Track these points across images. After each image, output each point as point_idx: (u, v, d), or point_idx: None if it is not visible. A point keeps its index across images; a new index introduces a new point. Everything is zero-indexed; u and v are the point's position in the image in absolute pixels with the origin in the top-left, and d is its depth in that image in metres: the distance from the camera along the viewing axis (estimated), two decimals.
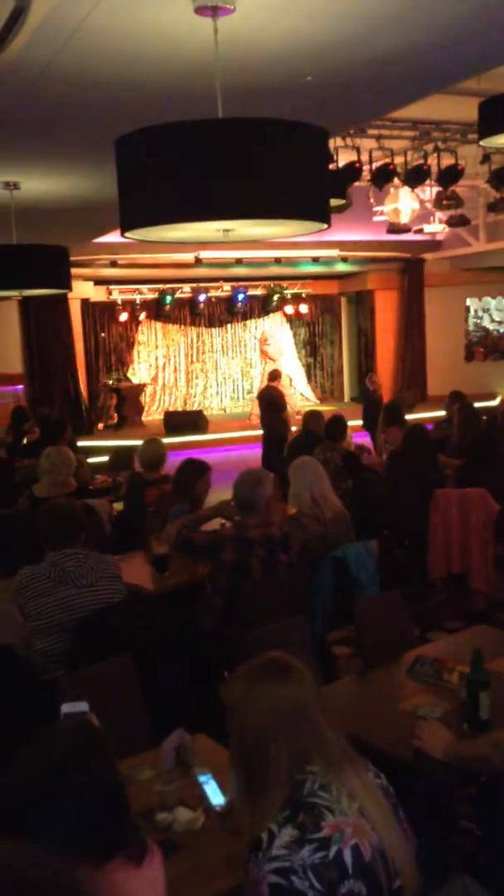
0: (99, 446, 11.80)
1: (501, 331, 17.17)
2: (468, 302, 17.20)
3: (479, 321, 17.29)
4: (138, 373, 16.72)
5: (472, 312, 17.28)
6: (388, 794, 1.69)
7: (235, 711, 1.72)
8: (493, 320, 17.29)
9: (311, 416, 7.87)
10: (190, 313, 16.98)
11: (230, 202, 2.59)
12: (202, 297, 16.40)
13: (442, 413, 9.63)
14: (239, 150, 2.59)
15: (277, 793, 1.60)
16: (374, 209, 10.70)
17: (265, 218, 2.70)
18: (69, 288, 6.14)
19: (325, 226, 2.91)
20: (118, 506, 6.38)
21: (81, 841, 1.48)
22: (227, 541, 3.88)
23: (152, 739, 2.75)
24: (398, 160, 9.07)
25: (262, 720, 1.66)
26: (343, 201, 8.38)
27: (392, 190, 9.89)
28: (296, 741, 1.65)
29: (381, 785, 1.70)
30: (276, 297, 17.02)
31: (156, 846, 1.66)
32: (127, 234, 2.94)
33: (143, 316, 16.29)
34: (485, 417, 8.10)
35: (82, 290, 14.02)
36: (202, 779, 2.30)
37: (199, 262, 14.09)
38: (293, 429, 10.57)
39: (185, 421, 14.28)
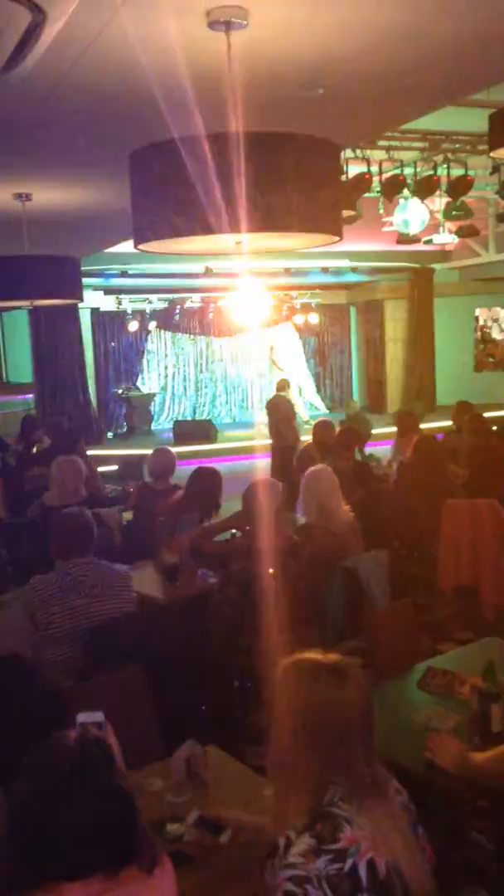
0: (108, 455, 11.83)
1: None
2: (477, 312, 17.19)
3: (488, 331, 17.28)
4: (148, 382, 16.76)
5: (480, 322, 17.27)
6: (409, 811, 1.69)
7: (280, 702, 1.71)
8: (501, 330, 17.26)
9: (321, 426, 7.87)
10: (199, 323, 17.03)
11: (243, 216, 2.60)
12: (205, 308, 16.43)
13: (450, 423, 9.62)
14: (252, 163, 2.61)
15: (301, 800, 1.60)
16: (384, 220, 10.72)
17: (278, 231, 2.71)
18: (81, 299, 6.18)
19: (338, 238, 2.93)
20: (127, 515, 6.39)
21: (91, 850, 1.49)
22: (236, 552, 3.88)
23: (163, 750, 2.76)
24: (407, 171, 9.09)
25: (305, 719, 1.66)
26: (354, 213, 8.40)
27: (401, 200, 9.90)
28: (330, 751, 1.63)
29: (401, 802, 1.69)
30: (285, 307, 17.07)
31: (166, 856, 1.66)
32: (140, 247, 2.96)
33: (152, 325, 16.34)
34: (494, 428, 8.09)
35: (92, 299, 14.08)
36: None
37: (208, 272, 14.14)
38: (302, 438, 10.58)
39: (195, 430, 14.30)
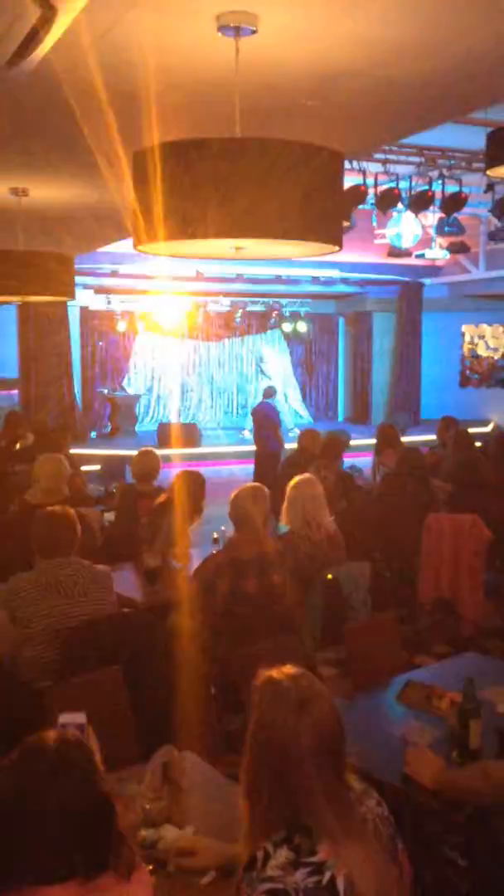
0: (91, 455, 11.78)
1: (496, 358, 17.28)
2: (463, 328, 17.32)
3: (473, 347, 17.41)
4: (134, 383, 16.72)
5: (467, 338, 17.40)
6: (388, 824, 1.68)
7: (258, 716, 1.67)
8: (488, 347, 17.40)
9: (307, 435, 7.88)
10: (188, 326, 17.03)
11: (244, 221, 2.60)
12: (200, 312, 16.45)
13: (434, 437, 9.66)
14: (255, 169, 2.61)
15: (276, 812, 1.59)
16: (377, 232, 10.77)
17: (278, 238, 2.71)
18: (72, 296, 6.15)
19: (337, 248, 2.94)
20: (109, 516, 6.36)
21: (68, 854, 1.48)
22: (220, 570, 3.84)
23: (139, 755, 2.74)
24: (402, 185, 9.15)
25: (256, 737, 1.65)
26: (347, 223, 8.44)
27: (395, 214, 9.96)
28: (280, 775, 1.60)
29: (381, 815, 1.69)
30: (273, 314, 17.11)
31: (143, 862, 1.65)
32: (138, 248, 2.95)
33: (141, 326, 16.31)
34: (478, 444, 8.14)
35: (82, 297, 14.05)
36: None
37: (199, 275, 14.14)
38: (286, 446, 10.59)
39: (179, 433, 14.28)
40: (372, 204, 9.06)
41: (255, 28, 2.88)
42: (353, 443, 10.37)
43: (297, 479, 4.72)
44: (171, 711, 3.69)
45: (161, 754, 2.49)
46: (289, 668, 1.72)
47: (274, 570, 3.95)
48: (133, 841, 2.21)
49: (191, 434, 14.26)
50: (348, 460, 8.50)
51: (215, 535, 5.03)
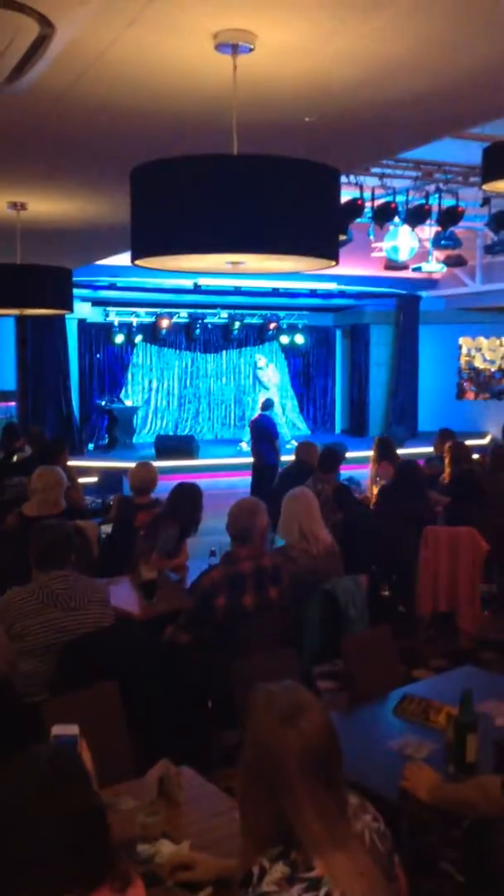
0: (89, 466, 11.78)
1: (492, 370, 17.33)
2: (460, 341, 17.39)
3: (470, 360, 17.47)
4: (131, 395, 16.75)
5: (464, 351, 17.46)
6: (385, 839, 1.68)
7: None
8: (484, 360, 17.46)
9: (305, 447, 7.89)
10: (186, 338, 17.07)
11: (241, 237, 2.62)
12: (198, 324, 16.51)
13: (431, 449, 9.68)
14: (252, 186, 2.63)
15: (270, 826, 1.59)
16: (374, 245, 10.84)
17: (275, 253, 2.74)
18: (70, 309, 6.18)
19: (334, 263, 2.96)
20: (106, 528, 6.36)
21: (63, 869, 1.47)
22: (217, 585, 3.83)
23: (136, 769, 2.73)
24: (399, 198, 9.21)
25: (247, 752, 1.64)
26: (344, 237, 8.49)
27: (392, 227, 10.03)
28: (270, 791, 1.58)
29: (378, 829, 1.68)
30: (271, 326, 17.16)
31: (138, 877, 1.64)
32: (137, 262, 2.97)
33: (138, 338, 16.36)
34: (475, 456, 8.16)
35: (80, 310, 14.09)
36: None
37: (197, 287, 14.20)
38: (283, 458, 10.60)
39: (176, 445, 14.28)
40: (369, 217, 9.12)
41: (252, 46, 2.92)
42: (350, 455, 10.41)
43: (293, 492, 4.72)
44: (167, 725, 3.69)
45: (157, 769, 2.49)
46: (283, 682, 1.71)
47: (272, 584, 3.94)
48: (128, 856, 2.22)
49: (188, 446, 14.27)
50: (345, 472, 8.52)
51: (213, 549, 5.03)
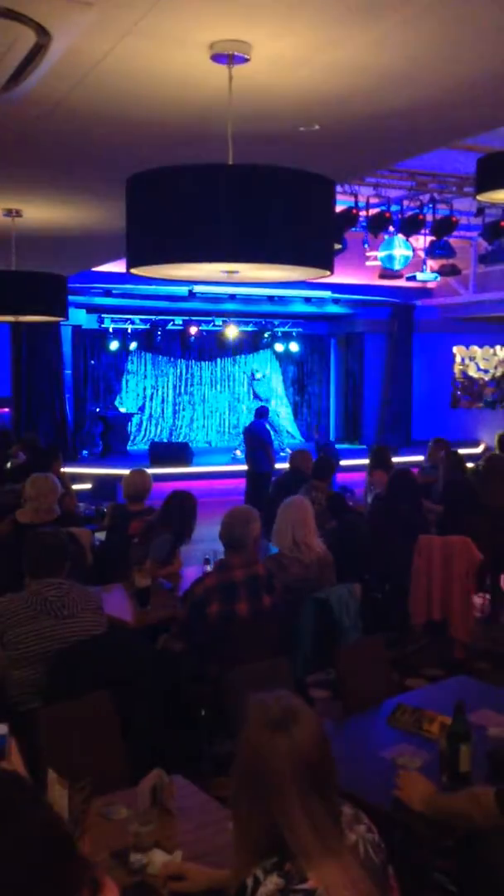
0: (83, 473, 11.76)
1: (486, 379, 17.38)
2: (454, 350, 17.44)
3: (464, 369, 17.51)
4: (126, 402, 16.74)
5: (458, 360, 17.50)
6: (379, 850, 1.67)
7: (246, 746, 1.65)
8: (478, 369, 17.51)
9: (299, 455, 7.90)
10: (180, 345, 17.08)
11: (237, 246, 2.63)
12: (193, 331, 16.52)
13: (425, 458, 9.70)
14: (248, 195, 2.64)
15: (262, 835, 1.58)
16: (368, 254, 10.87)
17: (271, 263, 2.74)
18: (65, 317, 6.18)
19: (328, 273, 2.97)
20: (100, 535, 6.35)
21: (34, 892, 1.42)
22: (211, 593, 3.83)
23: (129, 778, 2.72)
24: (394, 208, 9.25)
25: (239, 761, 1.64)
26: (339, 246, 8.51)
27: (386, 237, 10.06)
28: (261, 801, 1.57)
29: (372, 840, 1.68)
30: (265, 334, 17.19)
31: (111, 881, 1.59)
32: (132, 271, 2.98)
33: (133, 346, 16.35)
34: (469, 465, 8.17)
35: (74, 317, 14.08)
36: None
37: (192, 295, 14.22)
38: (278, 466, 10.60)
39: (171, 452, 14.28)
40: (363, 226, 9.15)
41: (248, 56, 2.93)
42: (344, 463, 10.42)
43: (289, 500, 4.72)
44: (160, 734, 3.68)
45: (150, 778, 2.48)
46: (276, 690, 1.71)
47: (265, 592, 3.94)
48: (121, 866, 2.21)
49: (182, 453, 14.26)
50: (340, 481, 8.53)
51: (206, 556, 5.03)
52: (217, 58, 2.93)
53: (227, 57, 2.91)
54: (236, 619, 3.80)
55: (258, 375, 16.98)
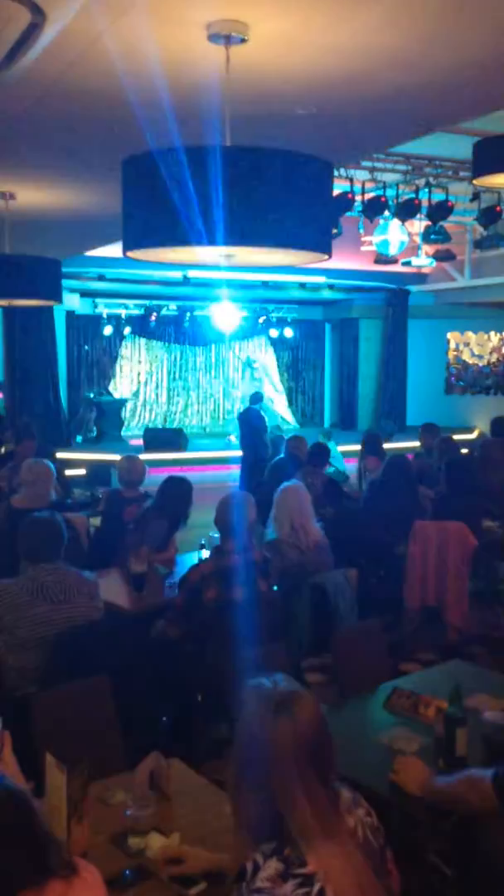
0: (77, 459, 11.73)
1: (481, 365, 17.37)
2: (449, 335, 17.42)
3: (458, 354, 17.50)
4: (120, 387, 16.69)
5: (452, 346, 17.49)
6: (378, 834, 1.68)
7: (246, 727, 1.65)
8: (473, 355, 17.50)
9: (295, 441, 7.90)
10: (175, 331, 17.02)
11: (233, 229, 2.61)
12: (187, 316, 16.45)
13: (419, 444, 9.70)
14: (245, 177, 2.61)
15: (261, 819, 1.58)
16: (363, 239, 10.82)
17: (268, 247, 2.72)
18: (59, 301, 6.15)
19: (327, 257, 2.95)
20: (95, 521, 6.34)
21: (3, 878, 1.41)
22: (207, 579, 3.83)
23: (126, 762, 2.73)
24: (389, 192, 9.20)
25: (240, 745, 1.64)
26: (335, 230, 8.47)
27: (382, 221, 10.02)
28: (261, 784, 1.58)
29: (371, 824, 1.68)
30: (260, 320, 17.14)
31: (92, 867, 1.58)
32: (128, 254, 2.95)
33: (127, 331, 16.28)
34: (464, 451, 8.18)
35: (68, 301, 14.01)
36: None
37: (186, 280, 14.15)
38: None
39: (165, 438, 14.25)
40: (359, 211, 9.10)
41: (245, 37, 2.90)
42: (339, 449, 10.41)
43: (285, 485, 4.71)
44: (157, 719, 3.68)
45: (148, 762, 2.48)
46: (274, 674, 1.71)
47: (261, 577, 3.94)
48: (121, 848, 2.21)
49: (177, 439, 14.24)
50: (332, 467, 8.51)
51: (202, 542, 5.02)
52: (214, 38, 2.90)
53: (224, 37, 2.88)
54: (232, 604, 3.80)
55: (256, 364, 16.90)
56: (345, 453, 10.69)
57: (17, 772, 1.92)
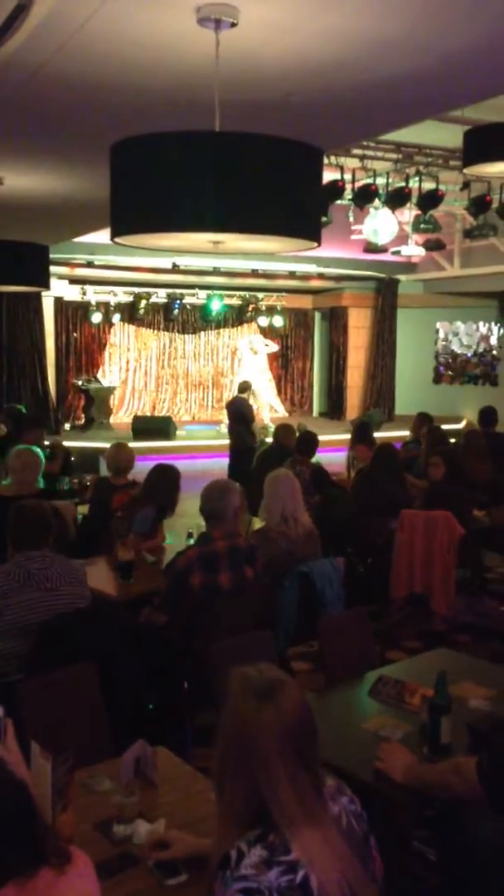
0: (65, 446, 11.67)
1: (469, 355, 17.40)
2: (438, 325, 17.44)
3: (447, 344, 17.52)
4: (108, 375, 16.63)
5: (441, 335, 17.51)
6: (362, 821, 1.69)
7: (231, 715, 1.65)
8: (461, 344, 17.53)
9: (283, 430, 7.89)
10: (164, 318, 16.95)
11: (222, 216, 2.59)
12: (177, 305, 16.37)
13: (408, 433, 9.72)
14: (235, 163, 2.60)
15: (245, 806, 1.59)
16: (353, 227, 10.80)
17: (257, 234, 2.71)
18: (48, 287, 6.12)
19: (316, 245, 2.94)
20: (83, 509, 6.33)
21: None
22: (192, 565, 3.83)
23: (112, 750, 2.73)
24: (380, 181, 9.18)
25: (223, 732, 1.64)
26: (325, 218, 8.45)
27: (372, 210, 10.00)
28: (245, 771, 1.58)
29: (355, 811, 1.69)
30: (250, 308, 17.08)
31: (84, 855, 1.58)
32: (116, 240, 2.93)
33: (116, 318, 16.21)
34: (452, 440, 8.20)
35: (56, 288, 13.91)
36: None
37: (175, 268, 14.09)
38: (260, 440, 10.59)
39: (154, 426, 14.22)
40: (349, 199, 9.08)
41: (235, 21, 2.87)
42: (327, 438, 10.43)
43: (274, 474, 4.70)
44: (143, 706, 3.69)
45: (134, 749, 2.48)
46: (259, 662, 1.72)
47: (247, 564, 3.95)
48: (105, 837, 2.22)
49: (165, 427, 14.21)
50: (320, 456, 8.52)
51: (190, 530, 5.02)
52: (203, 22, 2.87)
53: (214, 21, 2.85)
54: (219, 590, 3.80)
55: (254, 351, 16.81)
56: (333, 442, 10.70)
57: (21, 760, 1.92)
